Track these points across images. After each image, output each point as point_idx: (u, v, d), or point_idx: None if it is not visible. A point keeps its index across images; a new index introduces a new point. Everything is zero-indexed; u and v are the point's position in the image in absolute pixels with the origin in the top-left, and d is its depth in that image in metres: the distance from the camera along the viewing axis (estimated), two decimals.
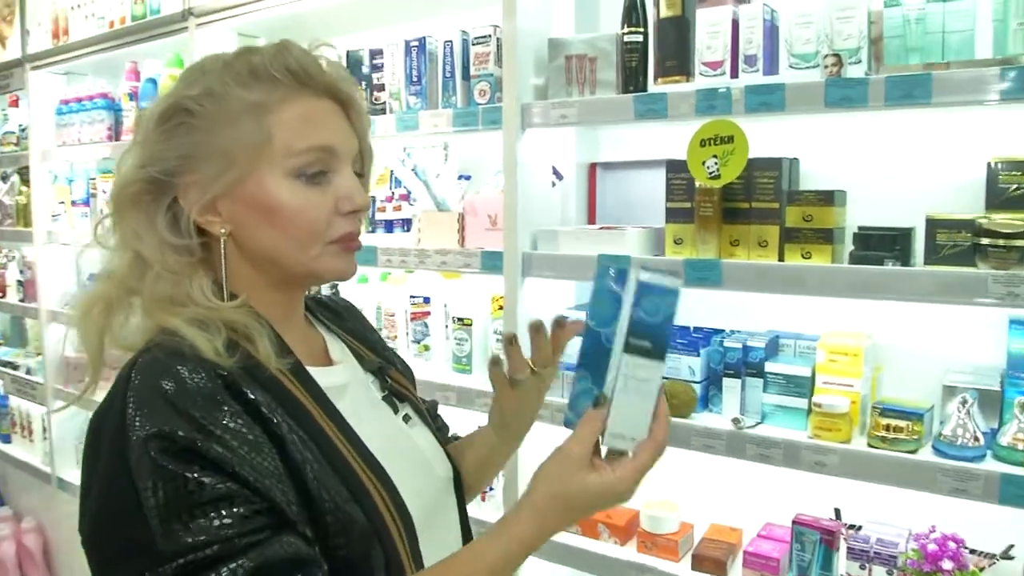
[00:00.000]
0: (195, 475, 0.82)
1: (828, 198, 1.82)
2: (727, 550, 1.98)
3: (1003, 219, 1.65)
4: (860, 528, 1.97)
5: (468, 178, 2.35)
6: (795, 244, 1.84)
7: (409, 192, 2.29)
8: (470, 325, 2.20)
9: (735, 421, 1.86)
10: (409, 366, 1.36)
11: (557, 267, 2.04)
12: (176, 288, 0.96)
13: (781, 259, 1.86)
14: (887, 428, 1.75)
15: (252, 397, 0.91)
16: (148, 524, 0.81)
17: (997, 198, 1.69)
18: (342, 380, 1.08)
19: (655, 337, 0.92)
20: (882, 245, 1.76)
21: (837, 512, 2.02)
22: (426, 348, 2.28)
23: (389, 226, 2.34)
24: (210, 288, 0.98)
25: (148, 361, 0.90)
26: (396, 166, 2.26)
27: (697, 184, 1.91)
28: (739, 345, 1.94)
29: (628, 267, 0.95)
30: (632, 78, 1.97)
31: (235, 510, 0.83)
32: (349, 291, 2.50)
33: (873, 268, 1.71)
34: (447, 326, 2.27)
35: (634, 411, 0.93)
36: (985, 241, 1.62)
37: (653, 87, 1.95)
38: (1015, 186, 1.68)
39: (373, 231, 2.39)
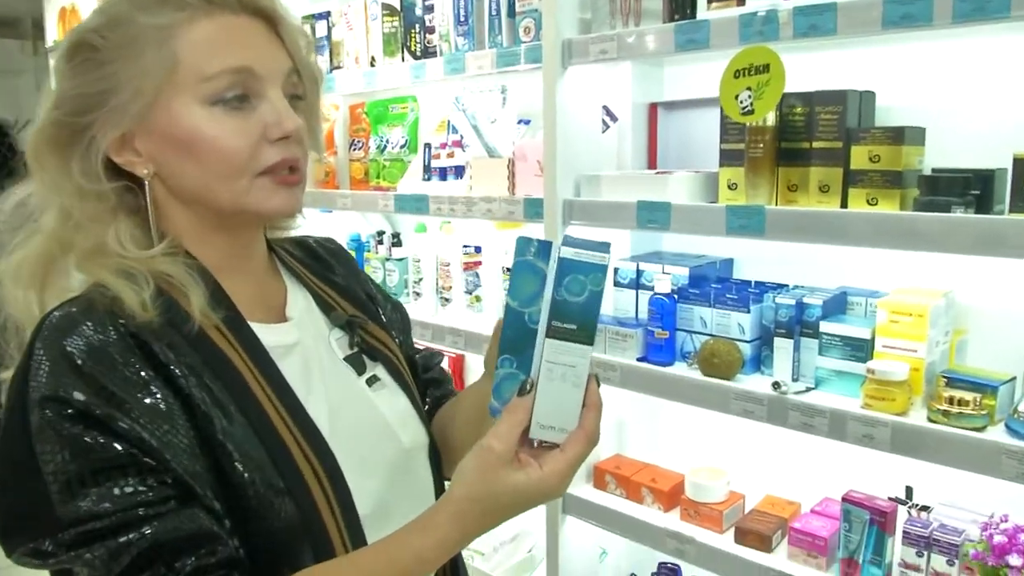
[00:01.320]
0: (98, 440, 0.79)
1: (898, 136, 1.62)
2: (775, 525, 1.85)
3: None
4: (931, 510, 1.77)
5: (527, 122, 2.29)
6: (860, 188, 1.66)
7: (462, 138, 2.26)
8: None
9: (775, 385, 1.72)
10: (406, 314, 1.30)
11: (599, 215, 1.96)
12: (101, 238, 0.92)
13: (844, 205, 1.68)
14: (951, 401, 1.55)
15: (165, 358, 0.86)
16: (46, 489, 0.78)
17: None
18: (291, 338, 1.00)
19: (581, 318, 0.84)
20: (952, 189, 1.55)
21: (908, 491, 1.84)
22: (478, 299, 2.27)
23: (443, 174, 2.33)
24: (137, 236, 0.94)
25: (59, 316, 0.86)
26: (450, 111, 2.23)
27: (749, 123, 1.75)
28: (792, 302, 1.78)
29: (551, 242, 0.87)
30: (680, 5, 1.82)
31: (138, 479, 0.80)
32: (410, 240, 2.53)
33: (935, 216, 1.50)
34: (500, 277, 2.24)
35: (562, 399, 0.86)
36: None
37: (702, 14, 1.80)
38: None
39: (428, 179, 2.39)
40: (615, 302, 2.11)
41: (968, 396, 1.54)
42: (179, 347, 0.88)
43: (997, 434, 1.52)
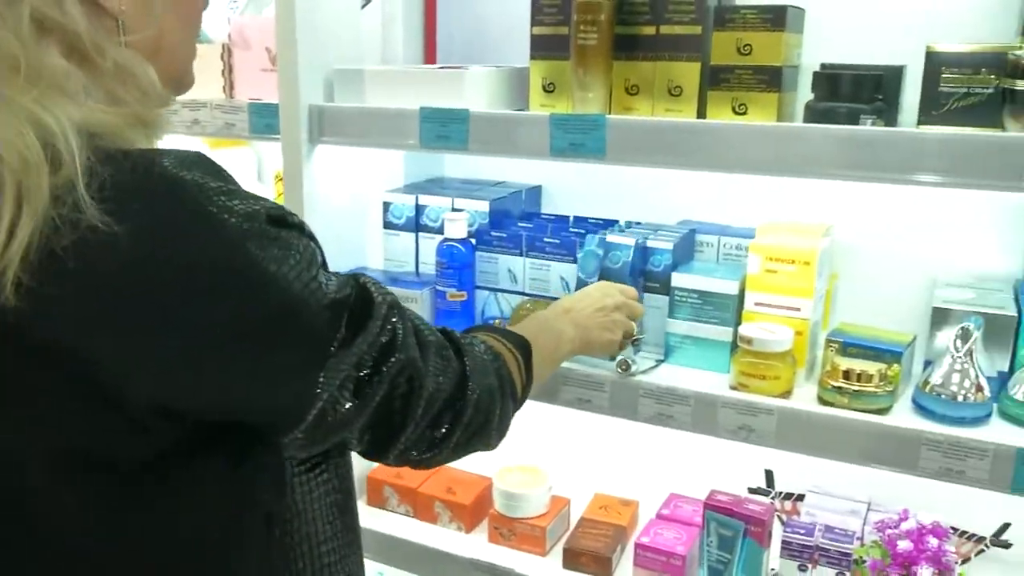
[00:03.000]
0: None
1: (778, 18, 1.21)
2: (613, 538, 1.46)
3: None
4: (800, 499, 1.47)
5: None
6: (724, 91, 1.26)
7: None
8: None
9: (621, 364, 1.29)
10: None
11: (363, 128, 1.40)
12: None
13: (702, 116, 1.26)
14: (848, 375, 1.21)
15: None
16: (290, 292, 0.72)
17: None
18: None
19: None
20: (859, 93, 1.17)
21: (769, 476, 1.52)
22: None
23: None
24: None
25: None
26: None
27: None
28: (630, 243, 1.34)
29: None
30: None
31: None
32: None
33: (842, 129, 1.12)
34: None
35: None
36: (1022, 85, 1.05)
37: None
38: None
39: None
40: (387, 251, 1.57)
41: (871, 368, 1.21)
42: None
43: (906, 415, 1.20)
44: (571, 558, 1.44)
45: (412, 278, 1.53)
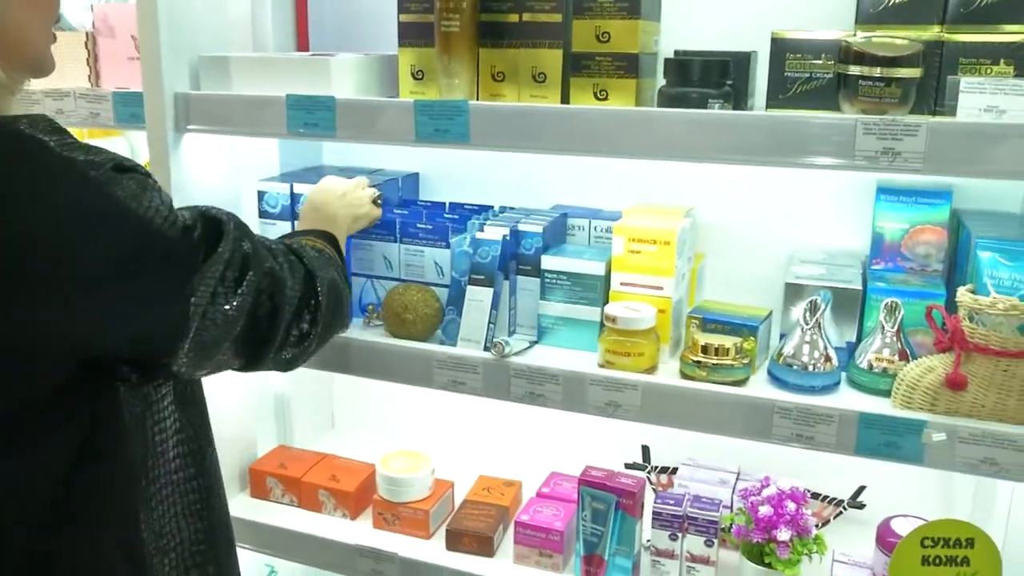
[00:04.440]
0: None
1: (633, 7, 1.28)
2: (495, 519, 1.51)
3: (881, 37, 1.17)
4: (675, 471, 1.55)
5: None
6: (585, 77, 1.31)
7: None
8: None
9: (496, 347, 1.34)
10: None
11: (230, 116, 1.41)
12: None
13: (565, 101, 1.31)
14: (706, 350, 1.28)
15: None
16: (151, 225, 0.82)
17: (873, 7, 1.21)
18: None
19: None
20: (708, 78, 1.24)
21: (645, 451, 1.59)
22: None
23: None
24: None
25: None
26: None
27: None
28: (497, 238, 1.39)
29: None
30: None
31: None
32: None
33: (691, 113, 1.19)
34: None
35: None
36: (855, 70, 1.14)
37: None
38: None
39: None
40: None
41: (727, 342, 1.29)
42: None
43: (761, 386, 1.29)
44: (453, 539, 1.48)
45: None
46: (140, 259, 0.82)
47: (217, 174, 1.52)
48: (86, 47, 1.54)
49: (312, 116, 1.35)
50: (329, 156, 1.76)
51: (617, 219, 1.42)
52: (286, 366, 1.07)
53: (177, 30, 1.41)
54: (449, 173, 1.68)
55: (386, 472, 1.53)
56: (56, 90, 1.52)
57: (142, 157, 1.71)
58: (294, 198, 1.55)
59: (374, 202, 1.45)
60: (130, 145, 1.75)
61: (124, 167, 0.82)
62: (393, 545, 1.49)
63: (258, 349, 0.98)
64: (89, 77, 1.55)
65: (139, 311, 0.83)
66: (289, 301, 1.00)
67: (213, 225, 0.91)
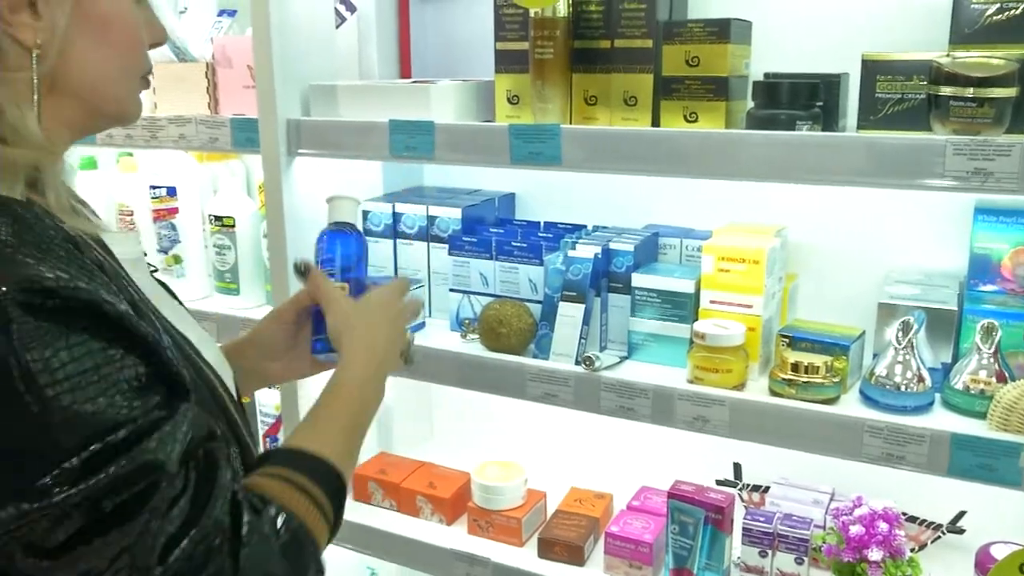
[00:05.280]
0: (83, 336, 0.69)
1: (723, 31, 1.32)
2: (586, 529, 1.56)
3: (975, 57, 1.17)
4: (767, 490, 1.57)
5: (232, 13, 1.76)
6: (675, 100, 1.35)
7: None
8: (232, 227, 1.67)
9: (585, 361, 1.40)
10: None
11: (338, 140, 1.52)
12: None
13: (656, 123, 1.37)
14: (796, 368, 1.31)
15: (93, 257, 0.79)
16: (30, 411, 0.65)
17: (968, 27, 1.22)
18: (138, 251, 0.94)
19: None
20: (796, 99, 1.27)
21: (737, 469, 1.62)
22: (177, 260, 1.75)
23: None
24: None
25: None
26: None
27: (532, 13, 1.38)
28: (588, 256, 1.44)
29: None
30: None
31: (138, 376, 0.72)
32: (75, 179, 1.94)
33: (778, 135, 1.22)
34: (204, 228, 1.73)
35: None
36: (946, 91, 1.15)
37: None
38: (996, 7, 1.20)
39: None
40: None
41: (817, 360, 1.31)
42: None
43: (852, 405, 1.30)
44: (545, 547, 1.54)
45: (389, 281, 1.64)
46: None
47: (325, 195, 1.63)
48: (206, 76, 1.67)
49: (412, 140, 1.43)
50: (430, 177, 1.85)
51: (708, 238, 1.46)
52: None
53: (289, 61, 1.53)
54: (545, 193, 1.75)
55: (481, 480, 1.61)
56: (179, 117, 1.66)
57: (256, 181, 1.84)
58: (396, 217, 1.65)
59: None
60: (246, 168, 1.88)
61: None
62: (487, 551, 1.56)
63: None
64: (209, 104, 1.69)
65: None
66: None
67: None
